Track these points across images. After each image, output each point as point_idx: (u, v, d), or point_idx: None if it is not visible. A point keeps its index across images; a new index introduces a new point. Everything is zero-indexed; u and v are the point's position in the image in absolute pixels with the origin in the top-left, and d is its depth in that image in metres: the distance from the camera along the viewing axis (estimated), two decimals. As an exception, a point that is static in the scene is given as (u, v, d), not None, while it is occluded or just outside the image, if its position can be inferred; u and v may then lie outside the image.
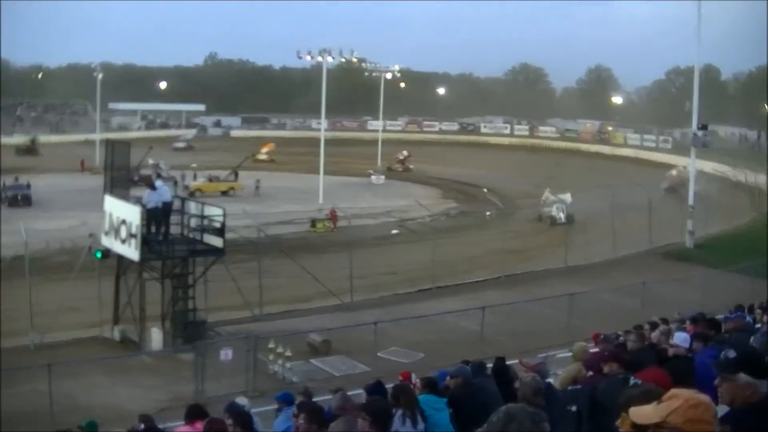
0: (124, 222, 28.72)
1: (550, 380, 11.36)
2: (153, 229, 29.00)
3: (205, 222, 29.82)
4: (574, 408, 8.66)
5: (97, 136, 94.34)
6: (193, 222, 29.99)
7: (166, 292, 28.79)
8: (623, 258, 44.24)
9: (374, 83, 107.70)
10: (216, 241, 29.25)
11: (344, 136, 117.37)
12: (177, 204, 31.27)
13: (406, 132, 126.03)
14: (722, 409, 5.22)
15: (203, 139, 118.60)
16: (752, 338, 12.49)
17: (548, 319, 30.38)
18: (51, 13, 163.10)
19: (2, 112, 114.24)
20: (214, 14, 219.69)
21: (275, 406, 13.25)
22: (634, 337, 12.84)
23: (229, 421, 9.32)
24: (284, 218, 55.14)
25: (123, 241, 28.76)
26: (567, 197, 62.80)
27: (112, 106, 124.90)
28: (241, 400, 12.81)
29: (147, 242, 28.43)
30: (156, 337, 28.67)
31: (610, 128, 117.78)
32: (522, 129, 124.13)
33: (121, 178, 31.38)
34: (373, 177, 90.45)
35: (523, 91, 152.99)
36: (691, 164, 49.37)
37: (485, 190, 78.36)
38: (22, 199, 65.23)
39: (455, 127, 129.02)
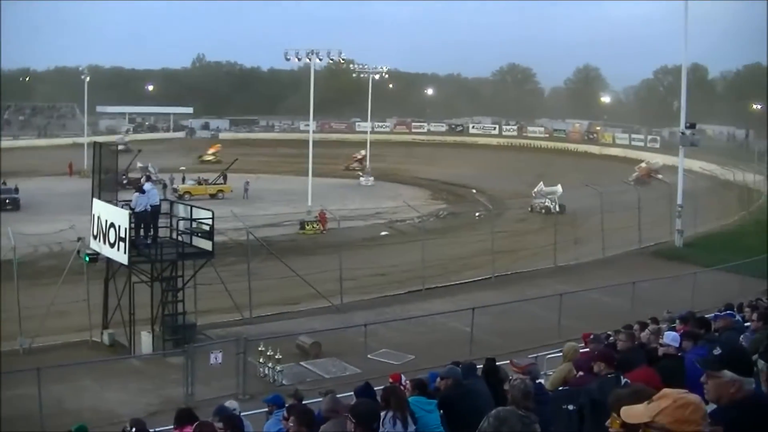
0: (112, 225, 28.62)
1: (541, 381, 11.37)
2: (142, 232, 28.95)
3: (194, 225, 29.75)
4: (571, 407, 8.66)
5: (85, 139, 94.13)
6: (182, 225, 29.92)
7: (155, 295, 28.71)
8: (613, 257, 44.33)
9: (362, 84, 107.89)
10: (205, 244, 29.17)
11: (333, 138, 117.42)
12: (165, 207, 31.23)
13: (394, 133, 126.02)
14: (710, 407, 5.23)
15: (152, 142, 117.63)
16: (741, 337, 12.53)
17: (538, 319, 30.38)
18: (38, 16, 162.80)
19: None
20: (202, 16, 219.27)
21: (265, 409, 13.23)
22: (624, 336, 12.85)
23: (219, 425, 9.28)
24: (273, 220, 55.08)
25: (112, 245, 28.65)
26: (558, 188, 67.10)
27: (99, 108, 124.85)
28: (231, 404, 12.77)
29: (136, 245, 28.37)
30: (145, 341, 28.61)
31: (598, 128, 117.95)
32: (510, 129, 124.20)
33: (110, 181, 31.28)
34: (362, 178, 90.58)
35: (512, 91, 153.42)
36: (680, 163, 49.44)
37: (474, 190, 78.41)
38: (10, 203, 64.99)
39: (444, 127, 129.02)
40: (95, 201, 30.45)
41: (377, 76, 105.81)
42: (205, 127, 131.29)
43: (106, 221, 29.05)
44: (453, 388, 10.73)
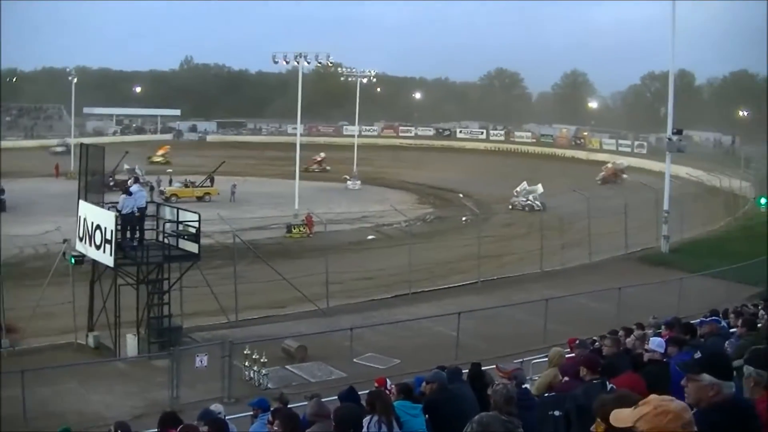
0: (98, 227, 28.54)
1: (527, 386, 11.38)
2: (128, 234, 28.86)
3: (181, 227, 29.68)
4: (557, 413, 8.66)
5: (72, 140, 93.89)
6: (169, 227, 29.85)
7: (141, 298, 28.62)
8: (599, 262, 44.42)
9: (350, 88, 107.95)
10: (191, 247, 29.08)
11: (320, 141, 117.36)
12: (152, 209, 31.16)
13: (382, 137, 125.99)
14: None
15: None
16: (727, 342, 12.57)
17: (524, 324, 30.40)
18: (26, 16, 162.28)
19: None
20: (190, 18, 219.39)
21: (250, 413, 13.19)
22: (609, 342, 12.86)
23: (204, 428, 9.25)
24: (260, 223, 54.98)
25: (98, 247, 28.57)
26: (539, 187, 73.09)
27: (87, 110, 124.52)
28: (216, 407, 12.72)
29: (122, 248, 28.28)
30: (131, 343, 28.51)
31: (585, 133, 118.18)
32: (498, 134, 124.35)
33: (96, 182, 31.18)
34: (349, 182, 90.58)
35: (499, 95, 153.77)
36: (667, 169, 49.54)
37: (461, 195, 78.54)
38: (-5, 204, 64.73)
39: (431, 132, 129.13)
40: (81, 203, 30.34)
41: (365, 80, 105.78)
42: (193, 129, 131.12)
43: (92, 223, 28.97)
44: (438, 393, 10.74)
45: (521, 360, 20.93)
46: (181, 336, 28.75)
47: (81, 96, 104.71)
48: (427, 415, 10.15)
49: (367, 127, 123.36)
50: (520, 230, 57.58)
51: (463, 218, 59.96)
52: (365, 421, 8.84)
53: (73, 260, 30.06)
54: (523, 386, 9.86)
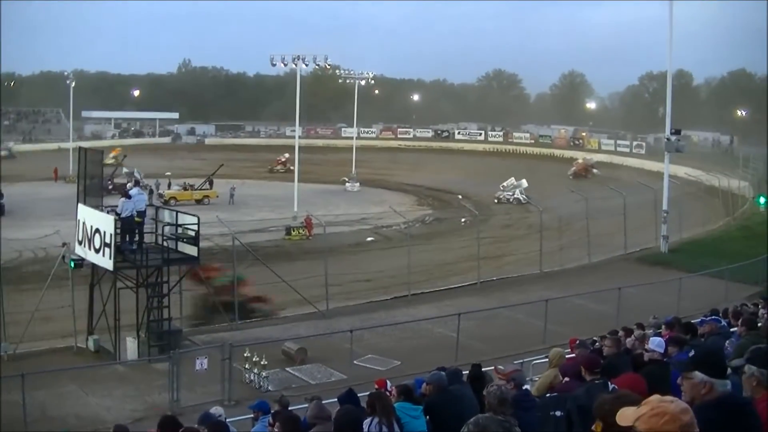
0: (97, 231, 28.52)
1: (527, 387, 11.37)
2: (127, 237, 28.84)
3: (180, 230, 29.66)
4: (558, 413, 8.66)
5: (71, 144, 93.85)
6: (168, 230, 29.82)
7: (140, 301, 28.59)
8: (598, 263, 44.37)
9: (348, 90, 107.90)
10: (190, 250, 29.05)
11: (319, 144, 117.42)
12: (151, 212, 31.14)
13: (380, 139, 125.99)
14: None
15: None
16: (727, 342, 12.55)
17: (524, 325, 30.40)
18: (23, 20, 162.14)
19: None
20: (187, 21, 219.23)
21: (251, 415, 13.18)
22: (609, 342, 12.85)
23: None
24: (259, 226, 55.03)
25: (97, 250, 28.54)
26: (524, 182, 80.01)
27: (85, 114, 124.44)
28: (216, 410, 12.73)
29: (121, 251, 28.26)
30: (131, 347, 28.48)
31: (584, 134, 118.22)
32: (496, 135, 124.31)
33: (95, 186, 31.15)
34: (347, 184, 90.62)
35: (497, 97, 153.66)
36: (665, 169, 49.52)
37: (460, 196, 78.56)
38: (-6, 209, 64.71)
39: (429, 133, 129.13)
40: (80, 206, 30.32)
41: (363, 82, 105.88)
42: (191, 132, 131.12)
43: (92, 227, 28.94)
44: (438, 394, 10.73)
45: (521, 361, 20.92)
46: (180, 339, 28.72)
47: (79, 99, 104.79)
48: (427, 417, 10.14)
49: (366, 129, 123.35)
50: (519, 231, 57.69)
51: (462, 219, 60.01)
52: (366, 423, 8.85)
53: (72, 264, 29.99)
54: (524, 387, 9.84)
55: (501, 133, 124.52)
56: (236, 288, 33.52)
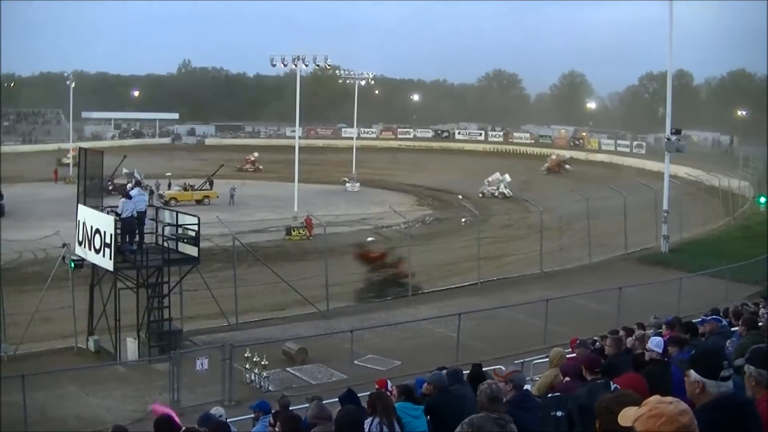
0: (97, 231, 28.52)
1: (528, 387, 11.37)
2: (127, 238, 28.83)
3: (180, 231, 29.66)
4: (559, 413, 8.65)
5: (71, 145, 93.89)
6: (168, 231, 29.82)
7: (140, 301, 28.59)
8: (599, 263, 44.38)
9: (348, 90, 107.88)
10: (191, 250, 29.06)
11: (319, 144, 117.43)
12: (151, 213, 31.15)
13: (380, 139, 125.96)
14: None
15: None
16: (728, 341, 12.54)
17: (525, 325, 30.41)
18: (23, 20, 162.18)
19: None
20: (187, 22, 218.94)
21: (252, 415, 13.18)
22: (610, 342, 12.85)
23: (205, 432, 9.25)
24: (259, 226, 55.02)
25: (97, 251, 28.54)
26: (507, 177, 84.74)
27: (85, 114, 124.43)
28: (217, 410, 12.72)
29: (121, 251, 28.26)
30: (131, 347, 28.49)
31: (584, 134, 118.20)
32: (496, 135, 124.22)
33: (95, 187, 31.14)
34: (348, 184, 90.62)
35: (497, 97, 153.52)
36: (666, 169, 49.51)
37: (460, 196, 78.60)
38: (-6, 210, 64.71)
39: (430, 133, 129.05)
40: (80, 207, 30.32)
41: (363, 82, 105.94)
42: (191, 133, 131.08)
43: (92, 227, 28.94)
44: (439, 394, 10.73)
45: (522, 361, 20.92)
46: (181, 339, 28.75)
47: (79, 100, 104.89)
48: (428, 417, 10.14)
49: (366, 130, 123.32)
50: (519, 231, 57.66)
51: (462, 219, 59.96)
52: (366, 423, 8.85)
53: (72, 264, 29.99)
54: (524, 388, 9.82)
55: (501, 134, 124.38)
56: (400, 265, 40.54)
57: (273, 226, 57.64)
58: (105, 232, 28.02)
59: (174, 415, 9.61)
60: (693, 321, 16.16)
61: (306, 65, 77.40)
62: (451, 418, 9.44)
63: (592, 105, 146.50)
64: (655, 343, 11.67)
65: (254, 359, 24.99)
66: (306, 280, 36.02)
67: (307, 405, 10.70)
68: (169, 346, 26.53)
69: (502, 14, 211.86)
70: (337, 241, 47.73)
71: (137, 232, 29.21)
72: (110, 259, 27.73)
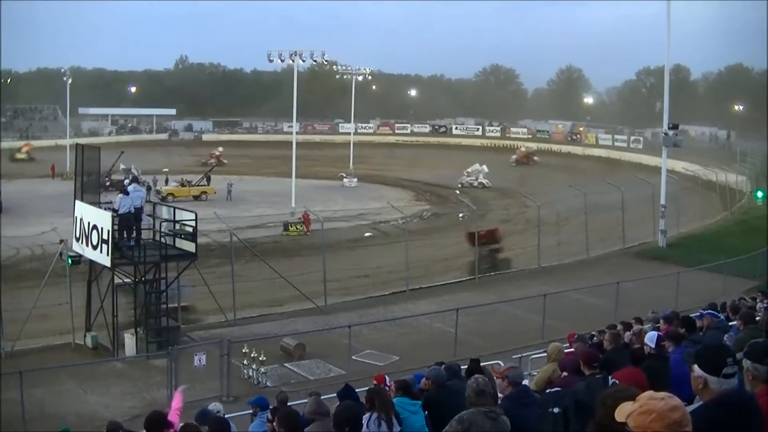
0: (95, 227, 28.49)
1: (526, 382, 11.35)
2: (125, 234, 28.81)
3: (178, 226, 29.63)
4: (556, 410, 8.64)
5: (68, 141, 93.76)
6: (165, 226, 29.79)
7: (138, 297, 28.57)
8: (596, 258, 44.40)
9: (345, 86, 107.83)
10: (188, 246, 29.04)
11: (316, 139, 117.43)
12: (148, 209, 31.13)
13: (378, 134, 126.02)
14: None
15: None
16: (726, 336, 12.54)
17: (523, 320, 30.42)
18: (19, 16, 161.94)
19: None
20: (184, 18, 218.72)
21: (250, 411, 13.17)
22: (608, 336, 12.84)
23: (204, 429, 9.25)
24: (257, 222, 54.98)
25: (94, 247, 28.52)
26: (485, 168, 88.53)
27: (82, 110, 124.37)
28: (215, 406, 12.71)
29: (118, 247, 28.23)
30: (129, 343, 28.47)
31: (581, 129, 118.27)
32: (494, 130, 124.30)
33: (92, 183, 31.11)
34: (345, 180, 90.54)
35: (495, 92, 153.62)
36: (663, 164, 49.46)
37: (457, 191, 78.62)
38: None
39: (427, 129, 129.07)
40: (78, 203, 30.30)
41: (360, 78, 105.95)
42: (188, 128, 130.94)
43: (89, 223, 28.92)
44: (437, 389, 10.72)
45: (519, 356, 20.92)
46: (179, 335, 28.73)
47: (76, 96, 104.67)
48: (426, 412, 10.13)
49: (363, 125, 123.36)
50: (517, 226, 57.55)
51: (460, 215, 59.95)
52: (365, 418, 8.85)
53: (70, 261, 29.96)
54: (522, 383, 9.80)
55: (498, 129, 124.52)
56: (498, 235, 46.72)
57: (270, 221, 57.65)
58: (102, 228, 28.00)
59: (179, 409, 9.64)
60: (691, 316, 16.16)
61: (303, 61, 77.23)
62: (449, 414, 9.43)
63: (589, 100, 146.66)
64: (648, 338, 11.66)
65: (252, 355, 24.98)
66: (304, 275, 36.00)
67: (306, 400, 10.70)
68: (167, 342, 26.53)
69: (498, 9, 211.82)
70: (335, 237, 47.77)
71: (134, 228, 29.19)
72: (108, 255, 27.71)
